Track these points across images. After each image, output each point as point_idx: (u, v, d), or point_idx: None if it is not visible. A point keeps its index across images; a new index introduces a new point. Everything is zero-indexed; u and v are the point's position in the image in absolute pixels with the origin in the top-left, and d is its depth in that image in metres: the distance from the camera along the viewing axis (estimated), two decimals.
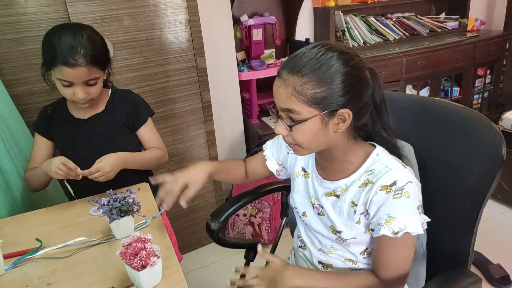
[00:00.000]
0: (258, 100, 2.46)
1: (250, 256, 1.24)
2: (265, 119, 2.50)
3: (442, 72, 2.87)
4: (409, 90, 2.85)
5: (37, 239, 0.98)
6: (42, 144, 1.27)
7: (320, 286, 0.84)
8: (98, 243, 0.97)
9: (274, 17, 2.47)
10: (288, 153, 1.02)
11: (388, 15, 2.98)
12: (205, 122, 1.98)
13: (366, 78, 0.78)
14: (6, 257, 0.91)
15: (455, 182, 0.90)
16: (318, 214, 0.92)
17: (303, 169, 0.97)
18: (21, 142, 1.38)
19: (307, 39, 2.47)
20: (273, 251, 1.34)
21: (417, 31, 2.96)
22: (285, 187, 1.28)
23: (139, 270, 0.77)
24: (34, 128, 1.28)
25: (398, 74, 2.67)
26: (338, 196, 0.87)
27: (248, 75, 2.34)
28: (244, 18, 2.41)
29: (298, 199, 0.98)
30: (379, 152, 0.83)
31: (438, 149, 0.94)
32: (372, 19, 2.84)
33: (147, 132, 1.34)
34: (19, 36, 1.47)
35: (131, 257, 0.78)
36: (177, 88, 1.85)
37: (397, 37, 2.86)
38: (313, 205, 0.93)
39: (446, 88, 3.07)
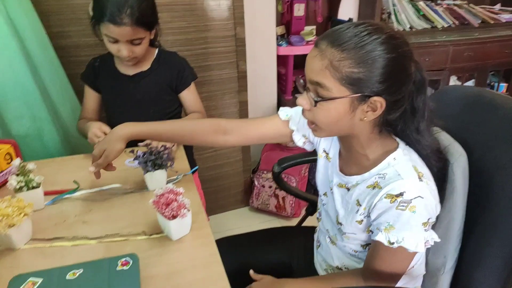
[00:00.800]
0: (293, 76, 2.43)
1: (309, 210, 1.28)
2: (299, 95, 2.48)
3: (490, 66, 2.73)
4: (453, 81, 2.74)
5: (74, 181, 1.03)
6: (91, 95, 1.32)
7: None
8: (131, 192, 1.01)
9: None
10: None
11: (439, 1, 2.83)
12: (239, 92, 1.99)
13: (410, 70, 0.71)
14: (46, 193, 0.96)
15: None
16: (333, 199, 0.91)
17: (324, 151, 0.94)
18: (58, 92, 1.41)
19: (350, 19, 2.40)
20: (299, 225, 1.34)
21: (468, 21, 2.80)
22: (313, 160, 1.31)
23: (170, 219, 0.80)
24: (82, 79, 1.33)
25: (442, 63, 2.56)
26: (348, 190, 0.84)
27: (286, 50, 2.31)
28: None
29: (319, 179, 0.96)
30: (398, 156, 0.76)
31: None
32: (421, 3, 2.71)
33: (189, 96, 1.36)
34: None
35: (163, 207, 0.81)
36: (215, 56, 1.85)
37: (445, 25, 2.72)
38: (330, 189, 0.92)
39: (492, 83, 2.92)
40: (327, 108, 0.71)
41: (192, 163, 1.27)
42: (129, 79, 1.29)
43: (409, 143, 0.79)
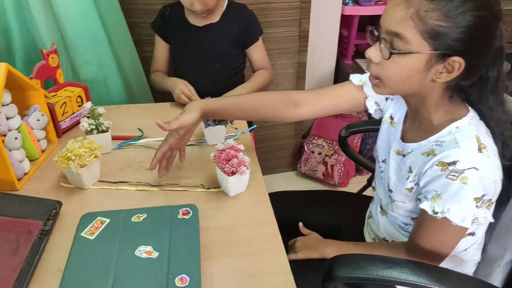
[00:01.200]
0: (356, 40, 2.30)
1: (371, 180, 1.23)
2: (359, 61, 2.35)
3: None
4: None
5: (139, 129, 1.07)
6: (161, 46, 1.34)
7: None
8: (191, 144, 1.03)
9: None
10: (387, 99, 0.91)
11: None
12: (299, 52, 1.92)
13: (496, 33, 0.65)
14: (113, 138, 1.01)
15: None
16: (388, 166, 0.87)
17: (391, 117, 0.89)
18: (120, 41, 1.40)
19: None
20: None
21: None
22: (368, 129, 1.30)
23: (229, 175, 0.81)
24: (152, 28, 1.33)
25: None
26: (404, 156, 0.80)
27: (352, 9, 2.16)
28: None
29: (380, 145, 0.92)
30: (461, 125, 0.71)
31: None
32: None
33: (257, 52, 1.34)
34: None
35: (224, 162, 0.81)
36: (277, 12, 1.78)
37: None
38: (389, 154, 0.87)
39: None
40: (400, 63, 0.67)
41: (248, 122, 1.27)
42: (198, 30, 1.28)
43: (482, 116, 0.73)
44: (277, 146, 2.12)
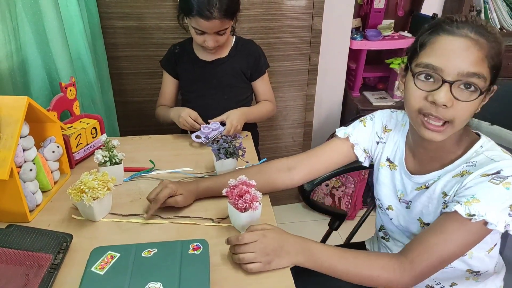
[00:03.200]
0: (364, 73, 2.33)
1: (334, 224, 1.23)
2: (367, 93, 2.38)
3: None
4: None
5: (151, 161, 1.08)
6: (169, 82, 1.38)
7: (328, 265, 0.74)
8: (202, 176, 1.03)
9: None
10: (378, 142, 0.93)
11: None
12: (307, 85, 1.95)
13: None
14: (125, 170, 1.02)
15: None
16: (407, 208, 0.86)
17: (388, 160, 0.89)
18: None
19: (434, 14, 2.23)
20: (357, 227, 1.30)
21: None
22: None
23: (242, 211, 0.81)
24: (162, 65, 1.38)
25: None
26: (427, 188, 0.80)
27: (360, 44, 2.21)
28: None
29: (383, 192, 0.91)
30: (484, 144, 0.75)
31: None
32: None
33: (262, 85, 1.38)
34: None
35: (236, 198, 0.81)
36: (288, 46, 1.83)
37: None
38: (399, 199, 0.87)
39: None
40: (474, 102, 0.69)
41: (257, 153, 1.28)
42: (207, 65, 1.32)
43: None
44: None
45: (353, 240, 1.24)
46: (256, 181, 0.85)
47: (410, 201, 0.85)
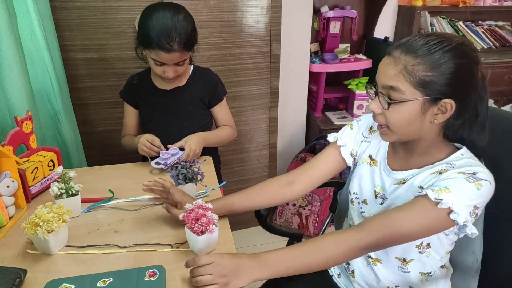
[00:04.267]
0: (324, 94, 2.44)
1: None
2: (328, 113, 2.48)
3: None
4: (490, 105, 2.64)
5: (110, 190, 1.08)
6: (130, 112, 1.40)
7: (286, 268, 0.77)
8: (161, 204, 1.05)
9: (355, 11, 2.41)
10: (362, 141, 1.00)
11: (479, 22, 2.77)
12: (270, 108, 2.01)
13: (477, 76, 0.76)
14: (83, 201, 1.02)
15: None
16: (381, 204, 0.91)
17: (370, 157, 0.96)
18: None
19: (386, 38, 2.38)
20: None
21: (509, 43, 2.72)
22: (338, 183, 1.29)
23: (199, 235, 0.82)
24: (122, 97, 1.40)
25: None
26: (404, 183, 0.86)
27: (319, 67, 2.32)
28: (324, 9, 2.38)
29: (362, 185, 0.96)
30: (465, 153, 0.82)
31: None
32: (461, 24, 2.66)
33: (221, 111, 1.42)
34: (116, 4, 1.58)
35: (193, 222, 0.83)
36: (248, 72, 1.89)
37: (485, 47, 2.66)
38: (376, 195, 0.93)
39: None
40: (399, 110, 0.77)
41: (219, 177, 1.30)
42: (166, 94, 1.35)
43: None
44: None
45: None
46: (261, 198, 0.98)
47: (386, 198, 0.90)
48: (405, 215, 0.76)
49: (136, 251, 0.87)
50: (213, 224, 0.84)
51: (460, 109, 0.77)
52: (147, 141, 1.21)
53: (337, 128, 1.04)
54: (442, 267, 0.91)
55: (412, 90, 0.75)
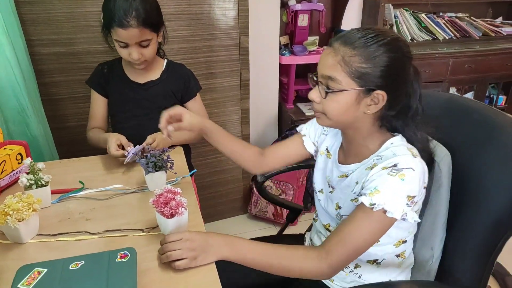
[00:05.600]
0: (295, 86, 2.49)
1: (290, 217, 1.34)
2: (300, 105, 2.53)
3: (490, 79, 2.77)
4: (452, 92, 2.78)
5: (80, 181, 1.10)
6: (99, 101, 1.39)
7: (252, 257, 0.81)
8: (132, 192, 1.07)
9: (322, 4, 2.47)
10: (321, 133, 1.05)
11: (441, 14, 2.89)
12: (241, 100, 2.05)
13: (409, 70, 0.82)
14: (53, 192, 1.03)
15: (485, 205, 0.86)
16: (330, 192, 0.97)
17: (327, 149, 1.02)
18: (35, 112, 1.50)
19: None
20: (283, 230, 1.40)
21: (469, 33, 2.85)
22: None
23: (168, 218, 0.86)
24: (90, 85, 1.39)
25: (442, 75, 2.61)
26: (347, 177, 0.91)
27: (289, 59, 2.37)
28: (292, 2, 2.42)
29: (317, 176, 1.03)
30: (395, 141, 0.85)
31: (477, 160, 0.90)
32: (423, 15, 2.77)
33: (194, 106, 1.45)
34: None
35: (162, 205, 0.86)
36: (218, 64, 1.92)
37: (447, 37, 2.78)
38: (328, 184, 0.99)
39: (492, 96, 2.96)
40: (336, 100, 0.81)
41: (190, 167, 1.33)
42: (139, 87, 1.36)
43: (408, 139, 0.88)
44: (226, 190, 2.18)
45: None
46: (239, 151, 1.10)
47: (334, 187, 0.96)
48: (352, 227, 0.80)
49: (108, 236, 0.90)
50: (182, 207, 0.87)
51: (392, 101, 0.81)
52: (116, 152, 1.17)
53: (308, 119, 1.10)
54: (397, 256, 0.94)
55: (348, 80, 0.79)
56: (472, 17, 2.95)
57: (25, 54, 1.47)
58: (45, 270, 0.74)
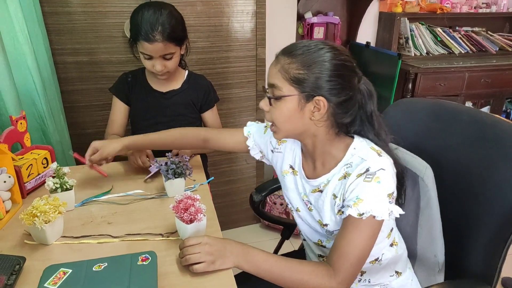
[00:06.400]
0: None
1: (286, 234, 1.32)
2: None
3: (507, 93, 2.75)
4: (469, 106, 2.76)
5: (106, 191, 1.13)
6: (120, 108, 1.43)
7: (265, 268, 0.82)
8: (152, 197, 1.10)
9: (337, 17, 2.50)
10: (272, 151, 1.05)
11: (457, 28, 2.89)
12: (256, 110, 2.08)
13: (350, 79, 0.83)
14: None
15: (493, 201, 0.89)
16: (308, 209, 0.97)
17: (291, 167, 1.01)
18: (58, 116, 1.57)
19: (368, 43, 2.48)
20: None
21: (486, 48, 2.85)
22: None
23: (188, 223, 0.88)
24: (114, 92, 1.43)
25: (458, 89, 2.60)
26: (321, 191, 0.91)
27: None
28: (308, 15, 2.47)
29: (291, 196, 1.01)
30: (357, 145, 0.87)
31: (485, 166, 0.92)
32: (439, 29, 2.78)
33: (211, 117, 1.50)
34: (105, 9, 1.64)
35: (182, 211, 0.89)
36: (235, 75, 1.96)
37: (463, 51, 2.78)
38: (303, 201, 0.98)
39: (508, 110, 2.94)
40: (279, 107, 0.84)
41: (207, 174, 1.36)
42: (161, 95, 1.41)
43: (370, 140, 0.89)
44: (240, 199, 2.20)
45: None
46: (179, 144, 1.18)
47: (310, 203, 0.95)
48: (349, 240, 0.81)
49: (129, 240, 0.93)
50: (201, 213, 0.90)
51: (337, 109, 0.83)
52: (139, 159, 1.22)
53: None
54: (391, 245, 0.95)
55: (288, 87, 0.82)
56: (488, 32, 2.94)
57: (48, 62, 1.53)
58: (70, 270, 0.77)
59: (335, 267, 0.81)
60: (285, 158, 1.01)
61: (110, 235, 0.94)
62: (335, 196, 0.88)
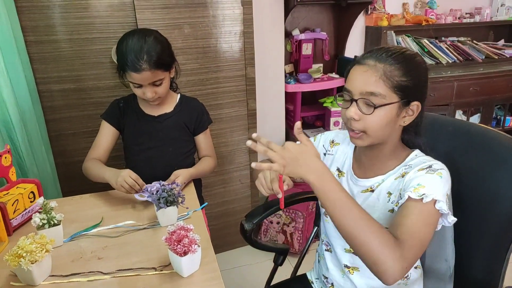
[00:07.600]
0: (302, 113, 2.51)
1: (279, 260, 1.29)
2: (306, 131, 2.55)
3: (496, 100, 2.78)
4: (459, 115, 2.78)
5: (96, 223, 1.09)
6: (109, 132, 1.38)
7: (334, 198, 0.74)
8: (144, 228, 1.07)
9: (325, 33, 2.52)
10: (325, 154, 1.05)
11: (443, 38, 2.93)
12: (248, 129, 2.06)
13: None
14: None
15: (491, 207, 0.90)
16: None
17: (338, 169, 1.01)
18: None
19: (356, 57, 2.49)
20: (301, 259, 1.37)
21: (472, 56, 2.88)
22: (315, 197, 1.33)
23: (181, 256, 0.85)
24: (105, 118, 1.39)
25: (448, 98, 2.62)
26: (373, 191, 0.91)
27: (294, 87, 2.40)
28: (295, 32, 2.48)
29: None
30: (418, 153, 0.90)
31: (476, 174, 0.95)
32: (425, 41, 2.81)
33: (204, 139, 1.47)
34: (91, 36, 1.63)
35: (175, 243, 0.85)
36: (225, 95, 1.95)
37: (450, 61, 2.81)
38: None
39: (498, 117, 2.96)
40: (379, 114, 0.83)
41: (200, 199, 1.33)
42: (153, 119, 1.39)
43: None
44: (235, 220, 2.15)
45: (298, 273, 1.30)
46: None
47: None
48: (410, 220, 0.74)
49: (120, 276, 0.89)
50: (195, 244, 0.86)
51: (421, 111, 0.86)
52: (129, 178, 1.16)
53: None
54: (416, 267, 0.96)
55: (391, 94, 0.81)
56: (474, 41, 2.99)
57: (29, 92, 1.49)
58: None
59: (400, 239, 0.71)
60: (335, 160, 1.03)
61: (100, 272, 0.89)
62: (389, 194, 0.88)
